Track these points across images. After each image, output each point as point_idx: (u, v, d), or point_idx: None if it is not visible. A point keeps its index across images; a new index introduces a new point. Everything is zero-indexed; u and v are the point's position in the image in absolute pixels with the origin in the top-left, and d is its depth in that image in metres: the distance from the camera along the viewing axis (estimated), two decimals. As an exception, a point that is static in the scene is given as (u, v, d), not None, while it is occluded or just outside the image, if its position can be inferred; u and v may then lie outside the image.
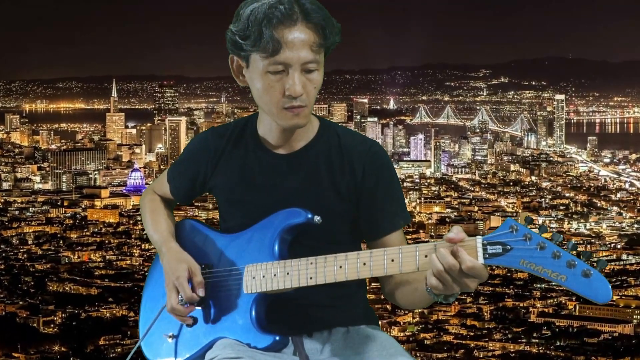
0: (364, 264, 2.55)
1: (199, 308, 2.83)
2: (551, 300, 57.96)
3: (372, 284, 3.23)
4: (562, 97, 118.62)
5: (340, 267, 2.58)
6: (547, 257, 2.35)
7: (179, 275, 2.78)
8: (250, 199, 2.83)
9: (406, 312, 53.33)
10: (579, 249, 2.35)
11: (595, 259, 2.35)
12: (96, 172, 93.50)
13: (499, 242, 2.39)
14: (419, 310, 52.91)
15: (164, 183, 3.08)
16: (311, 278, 2.62)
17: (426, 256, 2.47)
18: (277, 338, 2.70)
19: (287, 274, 2.66)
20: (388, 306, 51.90)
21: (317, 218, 2.69)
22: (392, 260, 2.51)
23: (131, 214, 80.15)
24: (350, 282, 2.62)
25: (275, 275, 2.68)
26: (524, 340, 51.89)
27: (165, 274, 2.84)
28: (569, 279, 2.33)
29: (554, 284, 2.45)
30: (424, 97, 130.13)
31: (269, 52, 2.62)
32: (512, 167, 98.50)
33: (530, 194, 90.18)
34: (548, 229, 2.42)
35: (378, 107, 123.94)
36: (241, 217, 2.84)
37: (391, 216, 2.82)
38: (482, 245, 2.40)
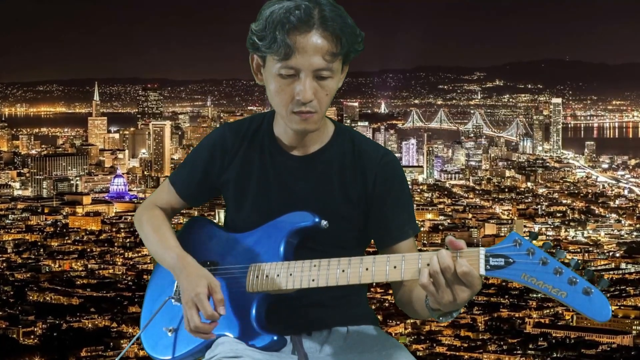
0: (367, 269, 2.62)
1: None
2: (547, 311, 57.64)
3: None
4: (559, 100, 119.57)
5: (343, 271, 2.64)
6: (548, 272, 2.40)
7: (199, 291, 2.73)
8: (261, 198, 2.88)
9: (398, 322, 53.63)
10: (581, 266, 2.39)
11: (597, 278, 2.39)
12: (78, 178, 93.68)
13: (501, 254, 2.45)
14: (412, 321, 53.14)
15: (165, 190, 3.07)
16: (313, 280, 2.67)
17: (429, 264, 2.51)
18: (275, 337, 2.75)
19: (290, 275, 2.71)
20: (380, 316, 51.04)
21: (324, 223, 2.75)
22: (395, 267, 2.58)
23: (114, 221, 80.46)
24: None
25: (278, 275, 2.73)
26: (519, 352, 51.16)
27: (183, 291, 2.79)
28: (569, 296, 2.37)
29: (549, 295, 2.57)
30: (416, 101, 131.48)
31: (281, 56, 2.66)
32: (508, 173, 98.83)
33: (526, 200, 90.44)
34: (552, 244, 2.45)
35: (369, 111, 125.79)
36: (250, 215, 2.89)
37: (400, 225, 2.86)
38: (485, 256, 2.46)
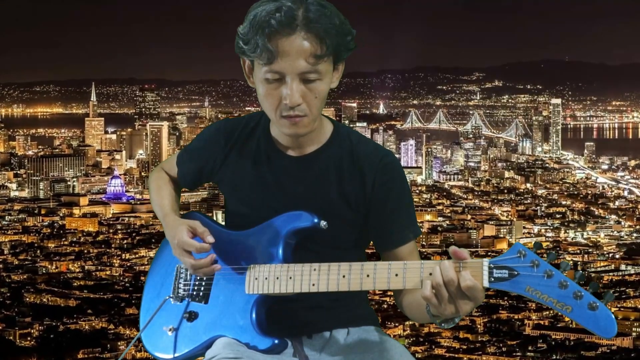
0: (368, 275, 2.62)
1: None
2: (547, 312, 56.84)
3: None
4: (559, 101, 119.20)
5: (344, 276, 2.64)
6: (553, 286, 2.38)
7: (180, 237, 2.83)
8: (257, 197, 2.89)
9: (396, 324, 53.40)
10: (586, 279, 2.39)
11: (602, 291, 2.37)
12: (75, 179, 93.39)
13: (505, 266, 2.44)
14: (410, 323, 52.99)
15: (173, 165, 3.16)
16: (314, 285, 2.68)
17: (431, 274, 2.51)
18: (277, 341, 2.75)
19: (290, 278, 2.71)
20: (378, 318, 50.85)
21: (323, 223, 2.74)
22: (396, 275, 2.58)
23: (111, 222, 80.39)
24: None
25: (278, 278, 2.73)
26: (518, 354, 50.75)
27: (171, 245, 2.90)
28: (574, 311, 2.37)
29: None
30: (415, 102, 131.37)
31: (265, 61, 2.66)
32: (507, 174, 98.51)
33: (526, 201, 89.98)
34: (556, 255, 2.44)
35: (367, 112, 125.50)
36: (246, 215, 2.90)
37: (400, 230, 2.85)
38: (489, 268, 2.45)
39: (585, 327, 2.37)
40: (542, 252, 2.45)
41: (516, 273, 2.41)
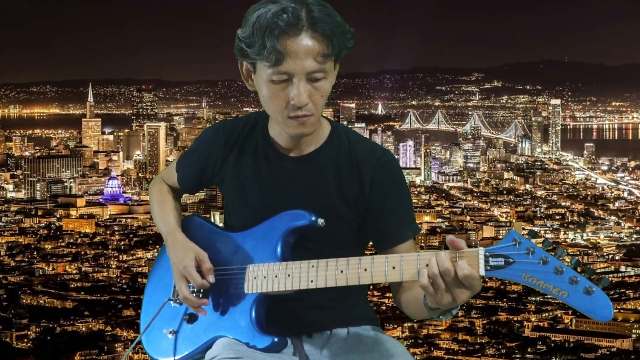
0: (365, 269, 2.65)
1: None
2: (546, 314, 57.89)
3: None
4: (558, 101, 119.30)
5: (342, 271, 2.68)
6: (549, 272, 2.42)
7: (186, 264, 2.86)
8: (256, 198, 2.92)
9: (395, 326, 53.64)
10: (582, 265, 2.43)
11: (598, 277, 2.42)
12: (72, 180, 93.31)
13: (501, 254, 2.48)
14: (409, 324, 53.81)
15: (172, 172, 3.17)
16: (312, 281, 2.71)
17: (427, 265, 2.55)
18: (276, 339, 2.78)
19: (289, 275, 2.75)
20: (378, 318, 50.94)
21: (320, 221, 2.78)
22: (394, 268, 2.61)
23: (108, 223, 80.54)
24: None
25: (276, 276, 2.76)
26: (518, 356, 51.19)
27: (172, 264, 2.93)
28: (570, 296, 2.41)
29: (549, 297, 2.60)
30: (414, 102, 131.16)
31: (272, 62, 2.68)
32: (506, 175, 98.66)
33: (525, 203, 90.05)
34: (552, 242, 2.48)
35: (366, 113, 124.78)
36: (246, 215, 2.93)
37: (398, 228, 2.88)
38: (485, 257, 2.49)
39: (581, 312, 2.38)
40: (539, 244, 2.45)
41: (512, 260, 2.43)
